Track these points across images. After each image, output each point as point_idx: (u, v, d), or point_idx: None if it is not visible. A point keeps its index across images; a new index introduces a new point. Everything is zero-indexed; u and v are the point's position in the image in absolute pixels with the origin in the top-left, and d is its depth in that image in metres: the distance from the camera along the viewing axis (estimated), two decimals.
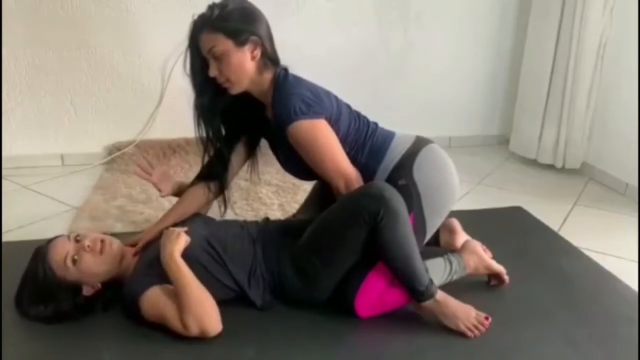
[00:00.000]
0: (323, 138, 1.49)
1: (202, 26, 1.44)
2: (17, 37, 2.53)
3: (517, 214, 2.25)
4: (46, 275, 1.42)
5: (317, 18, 2.79)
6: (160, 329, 1.39)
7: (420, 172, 1.54)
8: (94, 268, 1.45)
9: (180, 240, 1.41)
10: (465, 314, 1.44)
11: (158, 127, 2.82)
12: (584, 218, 2.32)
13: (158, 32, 2.69)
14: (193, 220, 1.58)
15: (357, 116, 1.62)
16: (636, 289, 1.71)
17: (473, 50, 3.11)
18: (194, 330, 1.34)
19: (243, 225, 1.61)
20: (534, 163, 2.92)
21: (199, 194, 1.64)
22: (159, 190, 1.71)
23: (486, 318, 1.44)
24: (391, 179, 1.54)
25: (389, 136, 1.61)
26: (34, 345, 1.40)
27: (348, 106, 1.62)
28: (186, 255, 1.41)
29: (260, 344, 1.39)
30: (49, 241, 1.49)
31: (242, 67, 1.47)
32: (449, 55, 3.08)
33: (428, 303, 1.44)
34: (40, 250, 1.47)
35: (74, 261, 1.43)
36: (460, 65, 3.11)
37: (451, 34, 3.05)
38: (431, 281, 1.45)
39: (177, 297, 1.35)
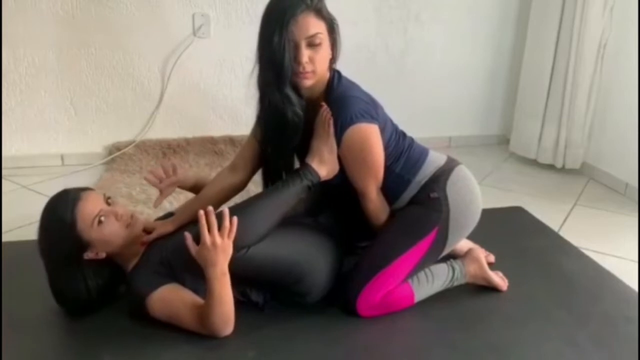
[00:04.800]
0: (377, 144, 1.46)
1: (306, 8, 1.34)
2: (17, 37, 2.53)
3: (517, 214, 2.25)
4: (65, 222, 1.37)
5: None
6: (161, 330, 1.39)
7: (453, 189, 1.53)
8: (114, 238, 1.41)
9: (230, 253, 1.34)
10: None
11: (158, 127, 2.82)
12: (584, 218, 2.32)
13: (158, 32, 2.69)
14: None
15: (396, 129, 1.59)
16: (636, 289, 1.71)
17: (473, 50, 3.11)
18: (214, 332, 1.35)
19: None
20: (534, 163, 2.92)
21: (225, 188, 1.58)
22: (157, 201, 1.65)
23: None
24: (423, 191, 1.54)
25: (424, 152, 1.60)
26: (33, 345, 1.40)
27: (390, 119, 1.58)
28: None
29: (260, 344, 1.39)
30: (80, 189, 1.45)
31: (327, 61, 1.42)
32: (449, 55, 3.08)
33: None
34: (69, 194, 1.42)
35: (100, 222, 1.39)
36: (460, 65, 3.11)
37: (451, 34, 3.05)
38: (453, 270, 1.59)
39: (209, 303, 1.33)
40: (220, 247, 1.30)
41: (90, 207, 1.40)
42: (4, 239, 1.91)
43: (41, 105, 2.66)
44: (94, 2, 2.58)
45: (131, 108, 2.78)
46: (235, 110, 2.89)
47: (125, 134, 2.80)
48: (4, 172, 2.59)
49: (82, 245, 1.40)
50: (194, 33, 2.72)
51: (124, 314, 1.47)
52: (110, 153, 2.76)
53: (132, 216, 1.46)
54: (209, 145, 2.83)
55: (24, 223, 2.06)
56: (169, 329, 1.40)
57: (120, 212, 1.44)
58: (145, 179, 1.64)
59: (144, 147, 2.77)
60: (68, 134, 2.74)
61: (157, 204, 1.66)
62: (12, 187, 2.47)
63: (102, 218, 1.40)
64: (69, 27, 2.59)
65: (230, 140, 2.86)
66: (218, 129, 2.88)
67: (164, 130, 2.82)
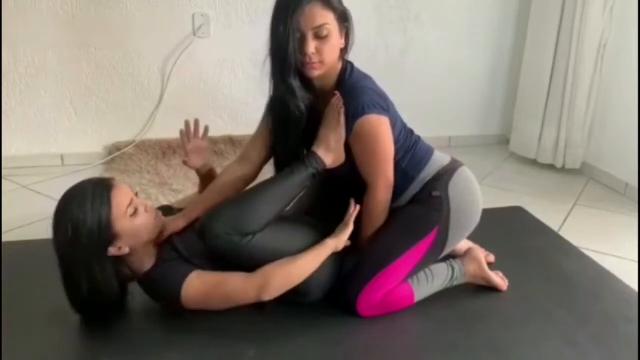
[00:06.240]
0: (387, 135, 1.46)
1: None
2: (17, 37, 2.53)
3: (517, 214, 2.25)
4: (102, 210, 1.30)
5: None
6: (160, 330, 1.39)
7: (455, 189, 1.54)
8: (142, 231, 1.36)
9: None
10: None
11: (158, 127, 2.82)
12: (584, 218, 2.32)
13: (158, 32, 2.69)
14: None
15: (405, 126, 1.59)
16: (636, 289, 1.71)
17: (473, 50, 3.11)
18: (264, 285, 1.37)
19: None
20: (534, 163, 2.92)
21: (235, 180, 1.56)
22: (186, 160, 1.62)
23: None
24: (425, 190, 1.54)
25: (429, 150, 1.61)
26: (33, 345, 1.40)
27: (399, 115, 1.58)
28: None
29: (260, 344, 1.39)
30: (106, 178, 1.40)
31: (337, 51, 1.41)
32: (449, 55, 3.08)
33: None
34: (102, 181, 1.37)
35: (133, 213, 1.34)
36: (460, 65, 3.11)
37: (451, 34, 3.05)
38: (452, 270, 1.60)
39: (299, 256, 1.42)
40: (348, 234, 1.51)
41: (124, 197, 1.35)
42: (4, 239, 1.91)
43: (41, 105, 2.67)
44: (94, 2, 2.58)
45: (131, 108, 2.79)
46: (235, 110, 2.89)
47: (125, 134, 2.80)
48: (4, 172, 2.59)
49: (111, 236, 1.33)
50: (194, 33, 2.72)
51: (124, 316, 1.47)
52: (110, 153, 2.76)
53: (157, 210, 1.45)
54: None
55: (24, 223, 2.06)
56: (169, 329, 1.40)
57: (148, 204, 1.42)
58: (180, 132, 1.62)
59: (144, 147, 2.77)
60: (68, 134, 2.74)
61: (189, 165, 1.63)
62: (12, 187, 2.47)
63: (134, 209, 1.35)
64: (69, 27, 2.59)
65: (230, 140, 2.86)
66: (218, 129, 2.88)
67: (164, 130, 2.82)
